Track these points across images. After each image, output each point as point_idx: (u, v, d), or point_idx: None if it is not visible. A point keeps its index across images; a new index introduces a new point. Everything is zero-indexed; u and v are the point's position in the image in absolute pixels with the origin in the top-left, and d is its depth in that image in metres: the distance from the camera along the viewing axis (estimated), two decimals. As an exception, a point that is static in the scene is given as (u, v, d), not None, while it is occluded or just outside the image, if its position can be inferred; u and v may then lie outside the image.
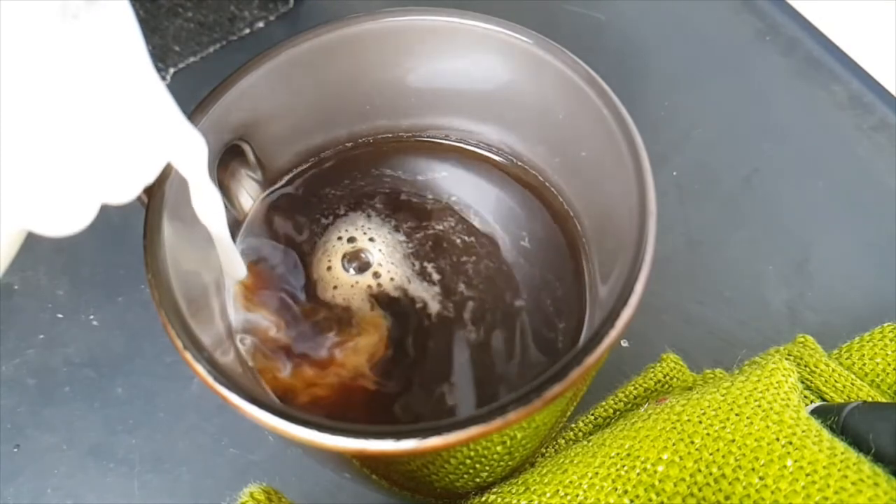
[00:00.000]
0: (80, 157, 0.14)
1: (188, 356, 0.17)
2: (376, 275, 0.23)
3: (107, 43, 0.14)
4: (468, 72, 0.23)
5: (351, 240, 0.23)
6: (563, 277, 0.23)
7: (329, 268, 0.23)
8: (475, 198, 0.24)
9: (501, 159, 0.25)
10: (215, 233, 0.20)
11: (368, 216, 0.24)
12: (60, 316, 0.29)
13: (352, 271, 0.23)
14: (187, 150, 0.17)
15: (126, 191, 0.16)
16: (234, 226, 0.24)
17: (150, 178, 0.16)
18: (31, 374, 0.28)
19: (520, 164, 0.25)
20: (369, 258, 0.23)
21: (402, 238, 0.24)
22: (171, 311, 0.17)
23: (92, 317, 0.29)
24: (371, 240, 0.23)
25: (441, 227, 0.24)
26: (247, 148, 0.23)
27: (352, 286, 0.22)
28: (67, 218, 0.15)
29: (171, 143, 0.17)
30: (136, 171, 0.16)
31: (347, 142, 0.25)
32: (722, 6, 0.38)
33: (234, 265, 0.22)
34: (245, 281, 0.22)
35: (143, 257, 0.18)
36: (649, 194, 0.19)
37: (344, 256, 0.23)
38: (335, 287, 0.22)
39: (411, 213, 0.24)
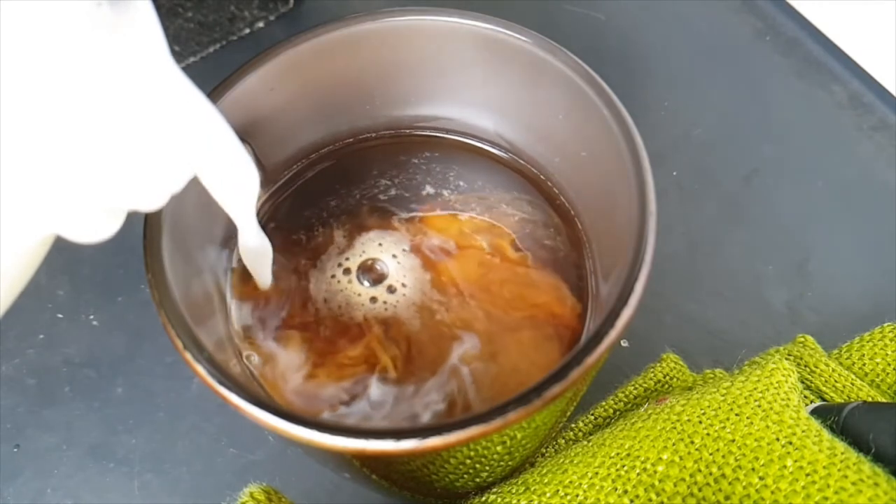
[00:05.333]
0: (111, 163, 0.14)
1: (188, 356, 0.17)
2: (390, 288, 0.23)
3: (133, 47, 0.14)
4: (468, 71, 0.23)
5: (362, 252, 0.23)
6: (566, 276, 0.23)
7: (343, 279, 0.23)
8: (477, 193, 0.24)
9: (503, 155, 0.25)
10: (252, 244, 0.20)
11: (370, 222, 0.24)
12: (60, 316, 0.29)
13: (366, 283, 0.23)
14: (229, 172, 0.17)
15: (154, 198, 0.16)
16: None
17: (178, 186, 0.16)
18: (31, 374, 0.28)
19: (521, 161, 0.25)
20: (383, 269, 0.23)
21: (410, 239, 0.23)
22: (171, 310, 0.17)
23: (92, 317, 0.29)
24: (380, 246, 0.23)
25: (443, 226, 0.24)
26: (247, 148, 0.23)
27: (360, 296, 0.22)
28: (96, 224, 0.15)
29: (207, 155, 0.17)
30: (165, 178, 0.16)
31: (348, 138, 0.25)
32: (722, 6, 0.38)
33: (263, 274, 0.22)
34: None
35: (143, 257, 0.18)
36: (649, 194, 0.19)
37: (359, 268, 0.23)
38: (346, 300, 0.22)
39: (413, 213, 0.24)
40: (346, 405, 0.21)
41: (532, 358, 0.21)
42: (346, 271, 0.23)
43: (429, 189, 0.25)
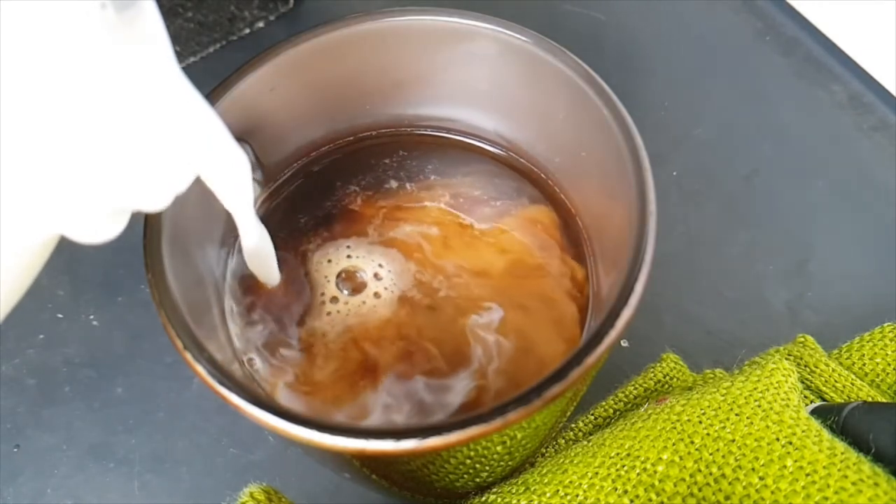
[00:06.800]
0: (115, 163, 0.14)
1: (188, 356, 0.17)
2: (378, 277, 0.23)
3: (138, 48, 0.14)
4: (468, 72, 0.23)
5: (348, 257, 0.23)
6: (566, 275, 0.23)
7: (340, 307, 0.22)
8: (477, 192, 0.24)
9: (503, 153, 0.25)
10: (252, 242, 0.20)
11: (365, 220, 0.24)
12: (60, 316, 0.29)
13: (346, 292, 0.22)
14: (224, 165, 0.17)
15: (159, 198, 0.16)
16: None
17: (183, 186, 0.16)
18: (31, 374, 0.28)
19: (521, 160, 0.25)
20: (363, 277, 0.23)
21: (403, 239, 0.23)
22: (171, 311, 0.17)
23: (92, 317, 0.29)
24: (330, 262, 0.23)
25: (442, 223, 0.24)
26: (247, 148, 0.23)
27: (366, 303, 0.22)
28: (100, 225, 0.15)
29: (207, 156, 0.17)
30: (170, 178, 0.16)
31: (348, 137, 0.25)
32: (722, 6, 0.38)
33: (268, 271, 0.22)
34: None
35: (143, 257, 0.18)
36: (649, 194, 0.19)
37: (339, 275, 0.23)
38: (358, 318, 0.22)
39: (411, 210, 0.24)
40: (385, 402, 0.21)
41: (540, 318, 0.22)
42: (334, 300, 0.22)
43: (428, 188, 0.25)
